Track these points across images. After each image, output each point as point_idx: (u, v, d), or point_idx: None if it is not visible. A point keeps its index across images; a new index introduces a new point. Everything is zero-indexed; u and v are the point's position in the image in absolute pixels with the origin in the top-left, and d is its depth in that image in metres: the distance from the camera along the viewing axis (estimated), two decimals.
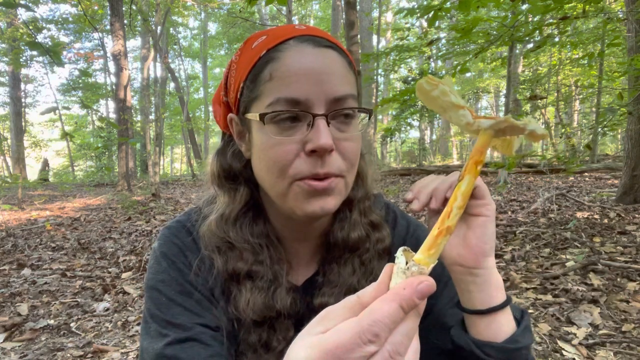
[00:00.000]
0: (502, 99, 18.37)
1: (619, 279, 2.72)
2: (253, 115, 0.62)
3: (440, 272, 0.69)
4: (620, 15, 5.42)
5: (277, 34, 0.63)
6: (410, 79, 13.49)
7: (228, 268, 0.67)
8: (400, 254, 0.38)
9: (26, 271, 3.73)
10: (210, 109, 29.18)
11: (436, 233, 0.38)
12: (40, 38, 14.65)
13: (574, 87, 12.94)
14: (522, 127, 0.40)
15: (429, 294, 0.35)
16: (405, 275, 0.36)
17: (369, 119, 0.68)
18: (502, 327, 0.58)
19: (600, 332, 2.12)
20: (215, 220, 0.70)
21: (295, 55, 0.60)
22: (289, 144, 0.59)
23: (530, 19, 3.58)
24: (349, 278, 0.69)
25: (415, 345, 0.35)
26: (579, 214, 4.69)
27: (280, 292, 0.67)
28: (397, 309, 0.33)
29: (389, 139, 20.62)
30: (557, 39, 5.09)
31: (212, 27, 26.51)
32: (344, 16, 5.97)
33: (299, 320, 0.70)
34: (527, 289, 2.69)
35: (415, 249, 0.77)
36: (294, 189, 0.61)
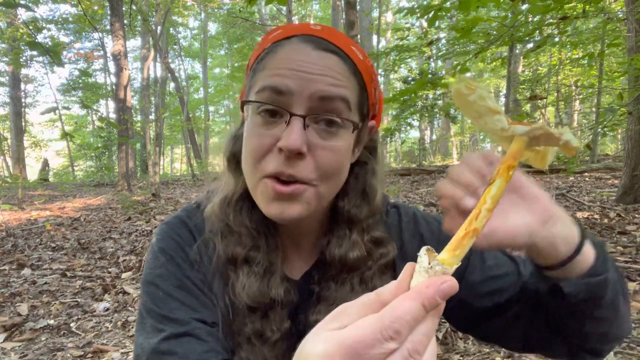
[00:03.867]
0: (502, 99, 18.38)
1: None
2: (240, 102, 0.64)
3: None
4: (620, 15, 5.42)
5: (289, 30, 0.64)
6: (410, 79, 13.48)
7: (227, 252, 0.68)
8: (423, 253, 0.37)
9: (26, 271, 3.73)
10: (211, 109, 29.23)
11: (463, 234, 0.37)
12: (40, 38, 14.65)
13: (574, 87, 12.95)
14: (557, 137, 0.39)
15: (452, 294, 0.34)
16: (428, 275, 0.36)
17: (353, 132, 0.64)
18: (579, 265, 0.53)
19: None
20: (219, 201, 0.71)
21: (291, 51, 0.60)
22: (265, 137, 0.60)
23: (530, 19, 3.57)
24: (347, 296, 0.67)
25: (433, 347, 0.34)
26: (579, 214, 4.69)
27: (275, 279, 0.67)
28: (419, 307, 0.33)
29: (389, 139, 20.60)
30: (557, 39, 5.09)
31: (212, 27, 26.53)
32: (344, 16, 5.97)
33: (295, 314, 0.70)
34: None
35: (412, 230, 0.74)
36: (261, 187, 0.62)
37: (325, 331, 0.34)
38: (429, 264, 0.36)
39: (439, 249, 0.38)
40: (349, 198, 0.70)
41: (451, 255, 0.37)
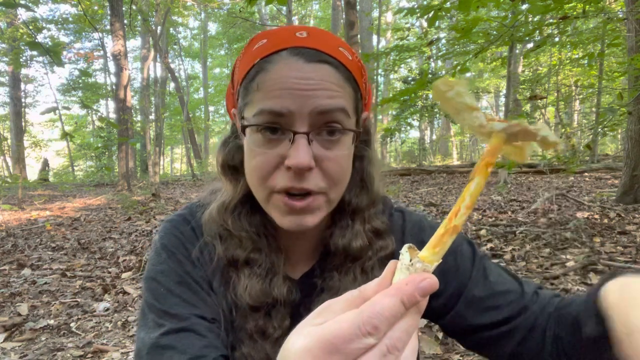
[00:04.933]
0: (502, 99, 18.38)
1: None
2: (239, 123, 0.64)
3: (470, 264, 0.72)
4: (620, 15, 5.42)
5: (275, 41, 0.63)
6: (410, 79, 13.49)
7: (227, 255, 0.69)
8: (405, 251, 0.38)
9: (26, 271, 3.73)
10: (211, 109, 29.27)
11: (442, 232, 0.38)
12: (40, 38, 14.67)
13: (574, 87, 12.95)
14: (535, 133, 0.39)
15: (432, 291, 0.34)
16: (409, 272, 0.36)
17: (356, 139, 0.66)
18: None
19: None
20: (217, 207, 0.71)
21: (283, 68, 0.60)
22: (270, 156, 0.60)
23: (530, 19, 3.57)
24: (350, 286, 0.68)
25: (413, 343, 0.35)
26: (579, 214, 4.69)
27: (277, 280, 0.68)
28: (398, 304, 0.33)
29: (389, 139, 20.61)
30: (557, 39, 5.09)
31: (212, 27, 26.53)
32: (344, 16, 5.97)
33: (295, 312, 0.70)
34: None
35: (416, 236, 0.74)
36: (273, 201, 0.62)
37: (308, 326, 0.35)
38: (410, 261, 0.36)
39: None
40: (349, 188, 0.71)
41: (432, 253, 0.37)
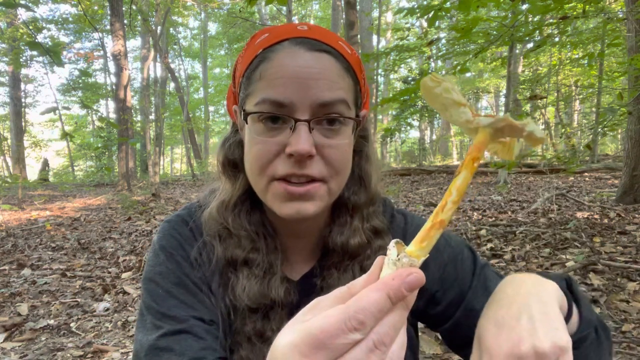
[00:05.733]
0: (502, 99, 18.38)
1: (619, 279, 2.72)
2: (241, 114, 0.64)
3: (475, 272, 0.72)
4: (620, 15, 5.42)
5: (277, 33, 0.64)
6: (410, 79, 13.50)
7: (227, 255, 0.69)
8: (392, 246, 0.38)
9: (26, 271, 3.73)
10: (211, 109, 29.24)
11: (429, 226, 0.38)
12: (40, 38, 14.68)
13: (574, 87, 12.94)
14: (521, 128, 0.39)
15: (418, 286, 0.34)
16: (396, 267, 0.36)
17: (357, 128, 0.67)
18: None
19: None
20: (216, 206, 0.71)
21: (285, 57, 0.61)
22: (271, 144, 0.61)
23: (530, 19, 3.57)
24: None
25: (401, 339, 0.34)
26: (579, 214, 4.69)
27: (275, 281, 0.68)
28: (384, 298, 0.33)
29: (389, 139, 20.62)
30: (557, 39, 5.09)
31: (212, 27, 26.53)
32: (344, 16, 5.97)
33: (295, 314, 0.70)
34: None
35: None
36: (272, 189, 0.62)
37: (297, 323, 0.35)
38: (397, 256, 0.36)
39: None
40: (348, 186, 0.71)
41: (418, 248, 0.37)
